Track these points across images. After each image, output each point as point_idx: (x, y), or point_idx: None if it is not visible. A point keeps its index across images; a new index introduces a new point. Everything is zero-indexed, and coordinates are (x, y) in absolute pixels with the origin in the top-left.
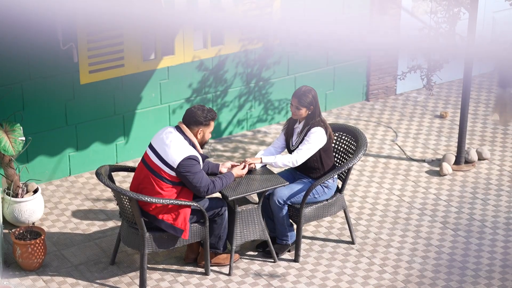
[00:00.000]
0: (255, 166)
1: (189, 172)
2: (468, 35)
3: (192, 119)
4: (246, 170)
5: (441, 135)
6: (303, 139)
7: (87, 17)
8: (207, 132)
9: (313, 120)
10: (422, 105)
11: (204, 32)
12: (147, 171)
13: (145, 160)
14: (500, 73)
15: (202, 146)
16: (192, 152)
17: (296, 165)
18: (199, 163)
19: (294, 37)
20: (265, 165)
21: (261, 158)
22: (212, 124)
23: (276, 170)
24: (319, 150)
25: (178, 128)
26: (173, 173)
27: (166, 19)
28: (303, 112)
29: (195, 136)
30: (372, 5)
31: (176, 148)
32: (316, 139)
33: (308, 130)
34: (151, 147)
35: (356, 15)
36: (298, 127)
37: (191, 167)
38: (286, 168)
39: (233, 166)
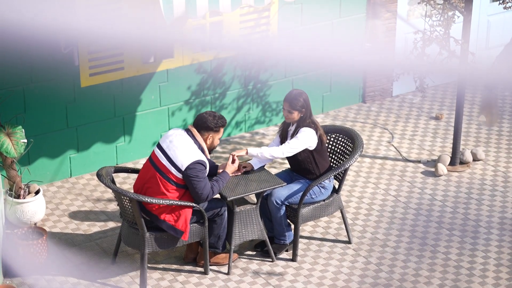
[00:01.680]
0: (253, 167)
1: (196, 177)
2: (463, 38)
3: (203, 125)
4: (237, 163)
5: (436, 136)
6: None
7: (89, 38)
8: (216, 138)
9: (304, 122)
10: (418, 107)
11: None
12: (154, 171)
13: (152, 160)
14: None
15: (210, 152)
16: (200, 156)
17: (282, 156)
18: (206, 168)
19: (291, 58)
20: (263, 165)
21: (246, 149)
22: (222, 130)
23: (273, 171)
24: (312, 152)
25: (188, 132)
26: (180, 176)
27: (166, 39)
28: (295, 115)
29: (205, 141)
30: (368, 9)
31: (185, 151)
32: (304, 137)
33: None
34: (159, 147)
35: (352, 18)
36: (291, 129)
37: (199, 171)
38: (273, 159)
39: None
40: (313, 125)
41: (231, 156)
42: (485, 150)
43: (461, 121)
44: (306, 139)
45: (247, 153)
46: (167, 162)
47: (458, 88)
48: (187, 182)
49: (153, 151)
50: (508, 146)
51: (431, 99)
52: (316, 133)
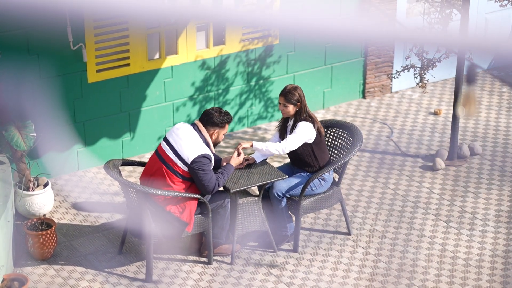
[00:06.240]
0: (255, 161)
1: (202, 170)
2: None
3: (210, 120)
4: (242, 156)
5: (434, 131)
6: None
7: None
8: (221, 133)
9: (301, 116)
10: (417, 103)
11: (206, 31)
12: (161, 164)
13: (159, 153)
14: (467, 70)
15: (215, 146)
16: (206, 150)
17: (283, 153)
18: (211, 162)
19: (292, 28)
20: (266, 159)
21: (252, 143)
22: (227, 127)
23: (274, 165)
24: (311, 145)
25: (194, 126)
26: (186, 169)
27: (170, 12)
28: (291, 109)
29: (210, 136)
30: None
31: (191, 145)
32: (302, 130)
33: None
34: (166, 141)
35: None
36: (290, 124)
37: (204, 165)
38: (276, 154)
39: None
40: (310, 118)
41: (236, 149)
42: (482, 144)
43: (459, 117)
44: (305, 133)
45: (252, 146)
46: (174, 156)
47: (455, 84)
48: (193, 175)
49: (160, 144)
50: (504, 141)
51: (430, 95)
52: (314, 126)
